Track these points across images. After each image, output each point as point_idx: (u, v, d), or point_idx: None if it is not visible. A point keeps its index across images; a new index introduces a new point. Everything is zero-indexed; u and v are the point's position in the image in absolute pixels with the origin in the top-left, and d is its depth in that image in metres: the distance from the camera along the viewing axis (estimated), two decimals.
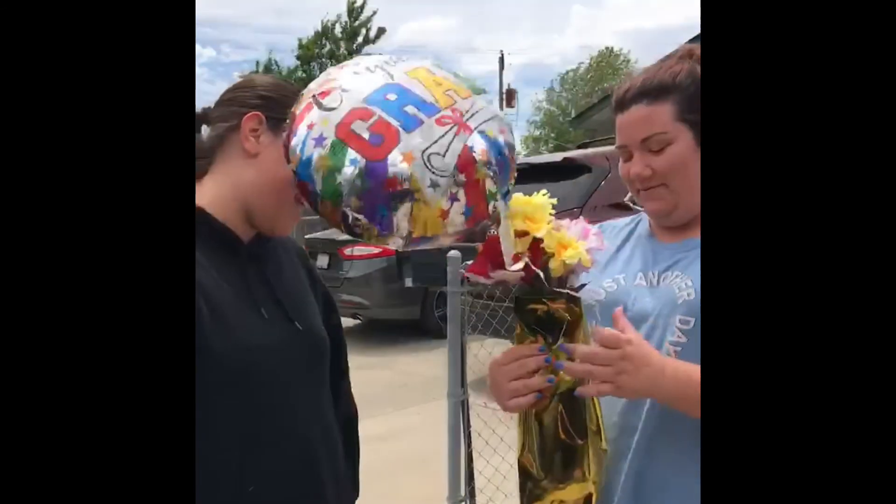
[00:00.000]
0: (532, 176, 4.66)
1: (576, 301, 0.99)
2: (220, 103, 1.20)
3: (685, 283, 1.09)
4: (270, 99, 1.16)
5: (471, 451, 3.26)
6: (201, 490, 0.83)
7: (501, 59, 23.89)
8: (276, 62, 14.19)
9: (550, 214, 1.00)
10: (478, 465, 3.30)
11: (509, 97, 23.30)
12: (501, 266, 0.96)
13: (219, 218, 1.15)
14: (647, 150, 1.13)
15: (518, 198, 0.99)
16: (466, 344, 3.21)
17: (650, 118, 1.12)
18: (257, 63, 16.10)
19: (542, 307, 0.98)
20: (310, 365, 1.21)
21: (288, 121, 0.93)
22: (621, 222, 1.30)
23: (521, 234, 0.97)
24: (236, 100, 1.18)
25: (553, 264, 0.97)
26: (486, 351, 3.45)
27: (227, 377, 1.05)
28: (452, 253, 3.14)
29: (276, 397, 1.12)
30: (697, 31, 0.83)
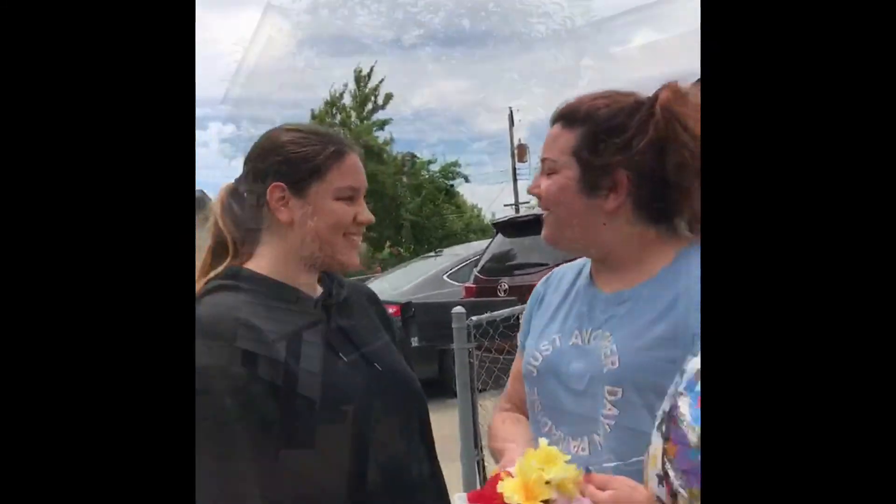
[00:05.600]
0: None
1: None
2: (244, 176, 1.21)
3: (610, 350, 1.02)
4: (287, 162, 1.15)
5: None
6: None
7: (511, 117, 22.84)
8: None
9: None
10: None
11: (521, 153, 23.25)
12: None
13: (280, 279, 1.16)
14: (544, 171, 1.09)
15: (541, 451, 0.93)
16: (479, 401, 3.05)
17: (554, 141, 1.09)
18: None
19: None
20: (397, 404, 1.19)
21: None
22: (571, 269, 1.21)
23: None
24: (256, 173, 1.18)
25: None
26: None
27: (326, 420, 1.08)
28: (457, 309, 2.98)
29: (375, 434, 1.12)
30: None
